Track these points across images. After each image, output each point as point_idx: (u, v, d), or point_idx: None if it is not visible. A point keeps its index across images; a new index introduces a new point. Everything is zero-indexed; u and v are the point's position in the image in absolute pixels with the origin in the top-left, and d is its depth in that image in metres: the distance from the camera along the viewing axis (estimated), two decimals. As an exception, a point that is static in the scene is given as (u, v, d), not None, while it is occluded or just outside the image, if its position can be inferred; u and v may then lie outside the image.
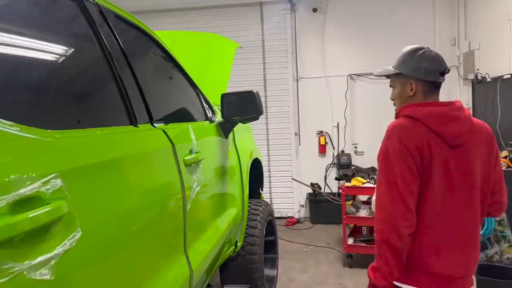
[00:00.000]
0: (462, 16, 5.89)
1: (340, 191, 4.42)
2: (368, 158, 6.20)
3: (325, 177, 6.30)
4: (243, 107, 2.46)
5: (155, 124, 1.63)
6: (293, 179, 5.53)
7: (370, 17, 6.22)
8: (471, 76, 5.41)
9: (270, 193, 6.45)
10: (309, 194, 6.12)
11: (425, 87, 1.63)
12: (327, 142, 6.28)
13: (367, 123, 6.32)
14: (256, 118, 2.49)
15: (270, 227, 3.60)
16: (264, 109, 6.39)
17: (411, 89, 1.63)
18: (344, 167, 6.00)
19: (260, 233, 3.08)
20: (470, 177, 1.55)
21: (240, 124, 3.36)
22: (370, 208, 4.10)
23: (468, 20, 5.80)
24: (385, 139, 1.54)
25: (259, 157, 3.61)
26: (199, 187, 1.84)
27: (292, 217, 6.34)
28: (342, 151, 6.25)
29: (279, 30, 6.36)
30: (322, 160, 6.33)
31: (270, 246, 3.64)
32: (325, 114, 6.29)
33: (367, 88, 6.29)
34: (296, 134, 6.36)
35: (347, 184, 4.27)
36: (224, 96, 2.49)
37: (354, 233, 4.44)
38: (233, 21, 6.35)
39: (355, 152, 6.30)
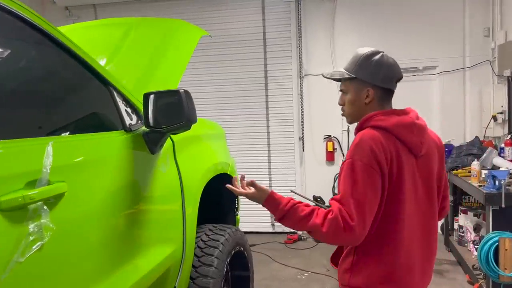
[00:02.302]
0: (498, 0, 4.95)
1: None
2: (384, 167, 5.37)
3: (333, 188, 5.52)
4: (169, 112, 1.78)
5: None
6: (291, 191, 4.79)
7: (387, 4, 5.39)
8: (508, 73, 4.48)
9: (271, 204, 5.73)
10: (314, 205, 5.35)
11: (381, 94, 1.55)
12: (335, 149, 5.50)
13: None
14: (186, 127, 1.80)
15: (243, 260, 2.90)
16: (265, 109, 5.75)
17: (367, 96, 1.54)
18: (354, 177, 5.20)
19: (217, 273, 2.38)
20: (431, 187, 1.55)
21: (199, 131, 2.70)
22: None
23: (505, 5, 4.86)
24: (357, 151, 1.42)
25: (230, 172, 2.91)
26: (43, 240, 1.17)
27: (294, 233, 5.59)
28: (353, 159, 5.44)
29: (282, 21, 5.63)
30: (329, 169, 5.55)
31: (243, 283, 2.94)
32: (333, 116, 5.48)
33: (383, 86, 5.45)
34: (300, 139, 5.61)
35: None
36: (146, 97, 1.81)
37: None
38: (230, 10, 5.67)
39: (369, 160, 5.50)
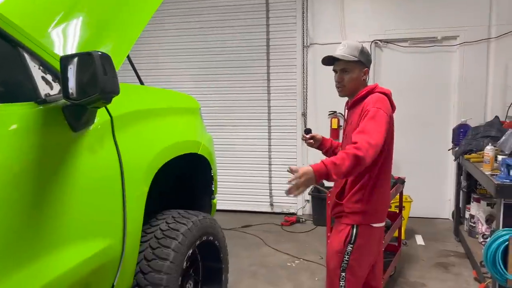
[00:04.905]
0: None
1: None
2: (395, 147, 4.91)
3: (337, 168, 5.12)
4: (86, 81, 1.43)
5: None
6: (288, 169, 4.43)
7: (404, -35, 4.81)
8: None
9: (270, 183, 5.40)
10: (313, 188, 5.00)
11: (368, 74, 2.14)
12: (340, 126, 5.06)
13: (395, 102, 4.99)
14: (104, 100, 1.45)
15: (214, 250, 2.59)
16: (266, 82, 5.33)
17: (364, 74, 2.10)
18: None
19: (173, 268, 2.08)
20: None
21: (157, 105, 2.33)
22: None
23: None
24: (378, 104, 1.95)
25: (201, 151, 2.57)
26: None
27: (294, 214, 5.28)
28: (359, 138, 5.01)
29: (287, -16, 5.12)
30: (333, 147, 5.14)
31: (215, 275, 2.64)
32: (340, 91, 5.04)
33: (397, 58, 4.95)
34: (303, 115, 5.20)
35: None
36: (62, 62, 1.47)
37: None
38: (229, -29, 5.19)
39: (377, 139, 5.04)
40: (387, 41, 4.95)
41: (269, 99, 5.30)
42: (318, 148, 2.45)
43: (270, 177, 5.40)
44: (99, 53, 1.39)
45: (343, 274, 2.04)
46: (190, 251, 2.27)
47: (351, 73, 2.05)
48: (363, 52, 2.06)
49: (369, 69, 2.11)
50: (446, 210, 5.03)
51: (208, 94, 5.44)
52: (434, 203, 5.06)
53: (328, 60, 2.11)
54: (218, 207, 5.30)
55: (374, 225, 2.06)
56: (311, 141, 2.41)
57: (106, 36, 2.15)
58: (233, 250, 3.95)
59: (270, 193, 5.42)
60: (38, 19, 2.12)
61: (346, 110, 2.22)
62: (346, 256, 2.03)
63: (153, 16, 5.69)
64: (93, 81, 1.39)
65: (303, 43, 5.09)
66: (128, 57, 2.39)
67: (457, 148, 3.98)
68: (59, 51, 1.89)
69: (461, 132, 4.17)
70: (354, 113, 2.05)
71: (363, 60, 2.05)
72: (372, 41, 4.91)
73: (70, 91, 1.47)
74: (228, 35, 5.29)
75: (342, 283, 2.05)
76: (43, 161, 1.44)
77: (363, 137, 1.81)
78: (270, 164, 5.37)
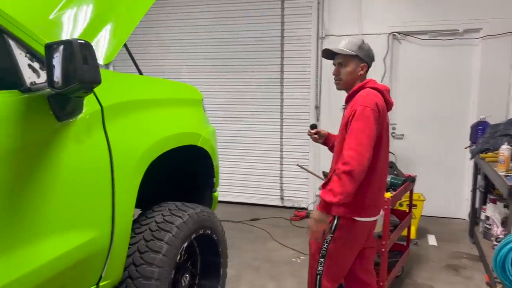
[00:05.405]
0: None
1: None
2: (409, 143, 4.77)
3: (350, 163, 5.00)
4: (71, 69, 1.40)
5: None
6: (297, 165, 4.36)
7: (426, -47, 4.60)
8: None
9: (281, 177, 5.33)
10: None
11: (367, 69, 2.16)
12: (354, 120, 4.93)
13: (411, 97, 4.84)
14: (84, 89, 1.41)
15: (212, 244, 2.55)
16: (279, 73, 5.23)
17: (361, 69, 2.12)
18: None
19: (166, 261, 2.05)
20: (388, 135, 2.16)
21: (154, 95, 2.29)
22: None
23: None
24: (365, 101, 1.97)
25: (201, 144, 2.53)
26: None
27: (304, 208, 5.20)
28: (374, 133, 4.88)
29: (303, -27, 4.99)
30: (347, 142, 5.02)
31: (213, 270, 2.61)
32: (355, 84, 4.90)
33: (415, 51, 4.77)
34: (316, 108, 5.09)
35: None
36: (47, 49, 1.44)
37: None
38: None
39: (392, 135, 4.89)
40: (405, 34, 4.77)
41: (282, 91, 5.21)
42: (324, 143, 2.52)
43: (281, 170, 5.33)
44: (79, 41, 1.35)
45: (322, 260, 2.12)
46: (185, 244, 2.23)
47: (348, 67, 2.10)
48: (361, 48, 2.11)
49: (368, 65, 2.13)
50: (463, 210, 4.86)
51: (220, 85, 5.39)
52: (451, 202, 4.89)
53: (328, 54, 2.18)
54: (227, 199, 5.34)
55: (358, 219, 2.07)
56: (316, 136, 2.47)
57: (105, 22, 2.13)
58: (238, 243, 3.93)
59: (281, 186, 5.35)
60: (39, 7, 2.11)
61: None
62: (325, 244, 2.10)
63: (165, 5, 5.69)
64: (73, 70, 1.35)
65: (318, 34, 4.96)
66: (125, 46, 2.35)
67: (474, 147, 3.81)
68: (60, 38, 1.88)
69: (479, 130, 3.99)
70: (348, 108, 2.09)
71: (360, 55, 2.09)
72: (390, 33, 4.75)
73: (56, 79, 1.44)
74: (242, 25, 5.21)
75: (320, 268, 2.13)
76: (23, 150, 1.42)
77: (349, 153, 1.88)
78: (281, 158, 5.30)
